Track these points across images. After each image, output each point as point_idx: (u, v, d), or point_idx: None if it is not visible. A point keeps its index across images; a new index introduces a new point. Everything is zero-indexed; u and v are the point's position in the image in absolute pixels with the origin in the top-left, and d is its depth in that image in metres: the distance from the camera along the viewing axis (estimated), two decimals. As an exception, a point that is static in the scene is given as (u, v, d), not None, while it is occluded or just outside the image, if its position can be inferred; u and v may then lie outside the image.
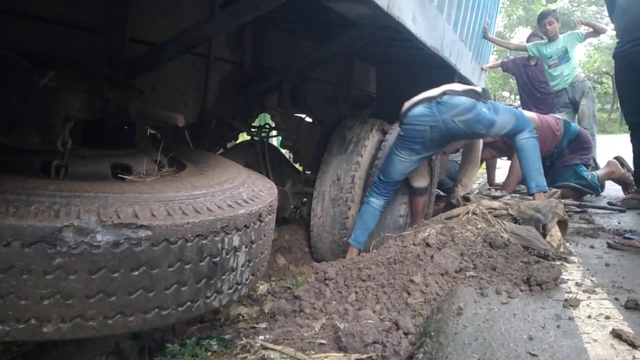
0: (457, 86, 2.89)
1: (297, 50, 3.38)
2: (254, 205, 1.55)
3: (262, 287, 2.36)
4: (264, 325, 2.00)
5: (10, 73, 1.49)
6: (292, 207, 3.80)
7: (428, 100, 2.80)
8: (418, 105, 2.82)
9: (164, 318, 1.31)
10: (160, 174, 1.63)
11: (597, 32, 5.31)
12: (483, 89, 2.88)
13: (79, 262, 1.15)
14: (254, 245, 1.55)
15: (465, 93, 2.78)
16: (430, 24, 2.85)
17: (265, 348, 1.72)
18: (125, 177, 1.53)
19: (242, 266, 1.51)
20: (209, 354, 1.77)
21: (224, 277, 1.44)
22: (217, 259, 1.40)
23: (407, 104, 2.90)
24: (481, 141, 3.58)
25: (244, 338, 1.83)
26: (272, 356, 1.66)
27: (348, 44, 2.77)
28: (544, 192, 2.84)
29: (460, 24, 3.96)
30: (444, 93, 2.77)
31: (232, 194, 1.55)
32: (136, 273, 1.23)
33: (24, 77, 1.47)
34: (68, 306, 1.16)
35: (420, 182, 3.23)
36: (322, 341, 1.74)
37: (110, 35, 1.98)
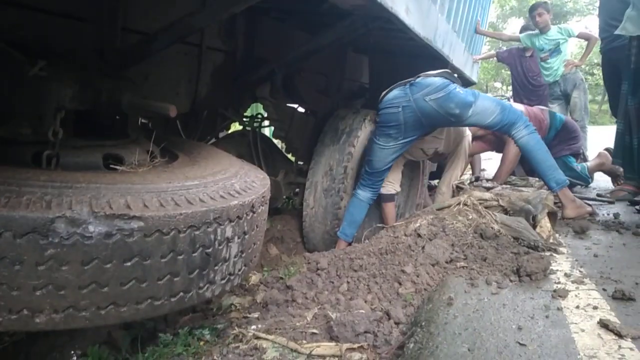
0: (432, 71, 2.88)
1: (289, 40, 3.36)
2: (247, 196, 1.55)
3: (255, 277, 2.37)
4: (256, 315, 2.01)
5: (1, 63, 1.47)
6: (284, 197, 3.81)
7: (403, 83, 2.83)
8: (393, 90, 2.85)
9: (156, 308, 1.32)
10: (152, 165, 1.63)
11: (590, 43, 5.32)
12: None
13: (71, 252, 1.15)
14: (246, 236, 1.55)
15: (439, 74, 2.79)
16: (423, 14, 2.84)
17: (258, 337, 1.73)
18: (117, 167, 1.53)
19: (235, 257, 1.52)
20: (202, 343, 1.77)
21: (216, 267, 1.44)
22: (210, 249, 1.40)
23: (384, 92, 2.93)
24: (465, 148, 3.55)
25: (236, 328, 1.85)
26: (264, 345, 1.67)
27: (341, 35, 2.76)
28: (566, 185, 2.77)
29: (454, 15, 3.95)
30: (418, 76, 2.80)
31: (225, 185, 1.56)
32: (129, 264, 1.23)
33: (14, 67, 1.46)
34: (60, 297, 1.16)
35: (387, 189, 3.28)
36: (314, 331, 1.76)
37: (101, 25, 1.96)
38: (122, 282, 1.23)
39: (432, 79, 2.75)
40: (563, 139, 4.15)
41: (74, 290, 1.18)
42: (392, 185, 3.33)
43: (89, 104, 1.61)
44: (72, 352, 1.81)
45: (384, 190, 3.27)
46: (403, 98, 2.76)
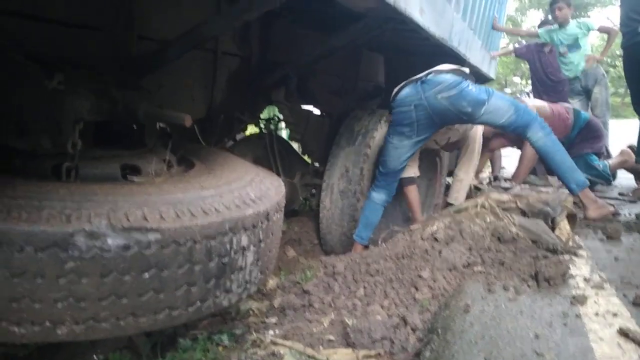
0: (444, 66, 2.83)
1: (304, 42, 3.36)
2: (262, 204, 1.56)
3: (272, 282, 2.38)
4: (274, 320, 2.03)
5: (20, 76, 1.51)
6: (301, 199, 3.83)
7: (414, 81, 2.79)
8: (404, 88, 2.82)
9: (174, 318, 1.34)
10: (169, 174, 1.65)
11: (611, 36, 5.17)
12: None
13: (90, 265, 1.18)
14: (262, 244, 1.56)
15: (451, 71, 2.74)
16: (438, 14, 2.82)
17: (275, 343, 1.75)
18: (134, 179, 1.55)
19: (251, 265, 1.53)
20: (220, 348, 1.80)
21: (232, 276, 1.46)
22: (226, 259, 1.42)
23: (395, 89, 2.90)
24: (479, 134, 3.50)
25: (254, 333, 1.87)
26: (281, 351, 1.69)
27: (355, 37, 2.76)
28: (587, 186, 2.71)
29: (470, 12, 3.91)
30: (429, 73, 2.76)
31: (240, 193, 1.57)
32: (146, 275, 1.25)
33: (33, 80, 1.49)
34: (81, 308, 1.19)
35: (406, 173, 3.18)
36: (331, 337, 1.77)
37: (117, 34, 1.99)
38: (140, 293, 1.25)
39: (444, 76, 2.70)
40: (586, 137, 4.08)
41: (93, 302, 1.20)
42: (410, 168, 3.24)
43: (106, 115, 1.64)
44: (94, 357, 1.85)
45: (403, 174, 3.17)
46: (415, 96, 2.73)
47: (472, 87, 2.68)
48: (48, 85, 1.45)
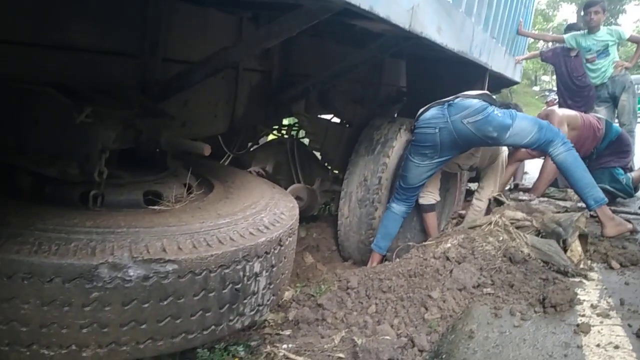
0: (471, 92, 2.87)
1: (325, 54, 3.42)
2: (275, 230, 1.64)
3: (287, 294, 2.46)
4: (288, 332, 2.11)
5: (51, 108, 1.61)
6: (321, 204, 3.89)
7: (440, 103, 2.83)
8: (430, 109, 2.85)
9: (190, 341, 1.43)
10: (188, 199, 1.75)
11: None
12: (515, 105, 2.84)
13: (113, 295, 1.28)
14: (274, 269, 1.64)
15: (478, 96, 2.78)
16: (457, 30, 2.84)
17: (288, 358, 1.84)
18: (156, 208, 1.65)
19: (263, 289, 1.62)
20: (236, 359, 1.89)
21: (245, 301, 1.54)
22: (239, 285, 1.50)
23: (421, 110, 2.94)
24: (503, 163, 3.49)
25: (268, 345, 1.96)
26: (293, 367, 1.78)
27: (375, 54, 2.80)
28: (605, 203, 2.74)
29: (492, 22, 3.89)
30: (457, 97, 2.80)
31: (254, 220, 1.65)
32: (164, 303, 1.35)
33: (63, 112, 1.60)
34: (104, 334, 1.29)
35: (427, 199, 3.28)
36: (341, 355, 1.84)
37: (143, 59, 2.08)
38: (158, 320, 1.35)
39: (471, 101, 2.74)
40: (615, 150, 4.03)
41: (116, 328, 1.30)
42: (431, 195, 3.33)
43: (131, 144, 1.74)
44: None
45: (423, 201, 3.29)
46: (440, 119, 2.77)
47: (497, 112, 2.72)
48: (77, 118, 1.54)
